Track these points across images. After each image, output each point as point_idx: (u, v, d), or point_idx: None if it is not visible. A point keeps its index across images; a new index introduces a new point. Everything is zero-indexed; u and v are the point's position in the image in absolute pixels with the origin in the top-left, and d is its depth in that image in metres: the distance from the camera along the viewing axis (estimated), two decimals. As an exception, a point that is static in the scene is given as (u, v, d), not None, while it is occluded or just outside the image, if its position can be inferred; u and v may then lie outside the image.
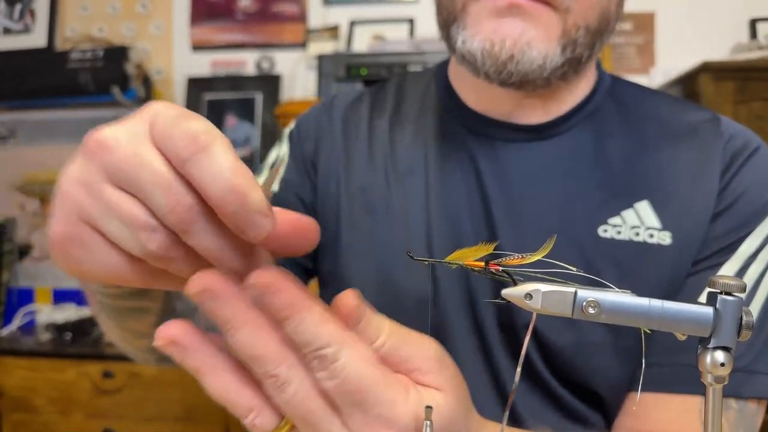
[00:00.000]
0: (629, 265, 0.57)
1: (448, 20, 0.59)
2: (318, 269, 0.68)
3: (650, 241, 0.57)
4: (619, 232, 0.57)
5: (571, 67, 0.57)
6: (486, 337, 0.59)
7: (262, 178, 0.71)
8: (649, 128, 0.62)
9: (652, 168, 0.60)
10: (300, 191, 0.68)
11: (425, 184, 0.63)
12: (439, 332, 0.59)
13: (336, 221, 0.65)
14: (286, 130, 0.74)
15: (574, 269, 0.37)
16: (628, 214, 0.58)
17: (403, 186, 0.64)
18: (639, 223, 0.58)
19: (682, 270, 0.57)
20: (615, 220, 0.58)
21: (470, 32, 0.56)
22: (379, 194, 0.65)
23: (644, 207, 0.58)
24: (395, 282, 0.61)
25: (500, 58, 0.54)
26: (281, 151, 0.73)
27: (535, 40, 0.54)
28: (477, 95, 0.65)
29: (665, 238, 0.57)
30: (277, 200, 0.69)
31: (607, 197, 0.59)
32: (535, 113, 0.63)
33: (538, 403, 0.59)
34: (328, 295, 0.65)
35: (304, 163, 0.69)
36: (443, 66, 0.71)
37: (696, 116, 0.63)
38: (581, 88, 0.65)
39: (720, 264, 0.57)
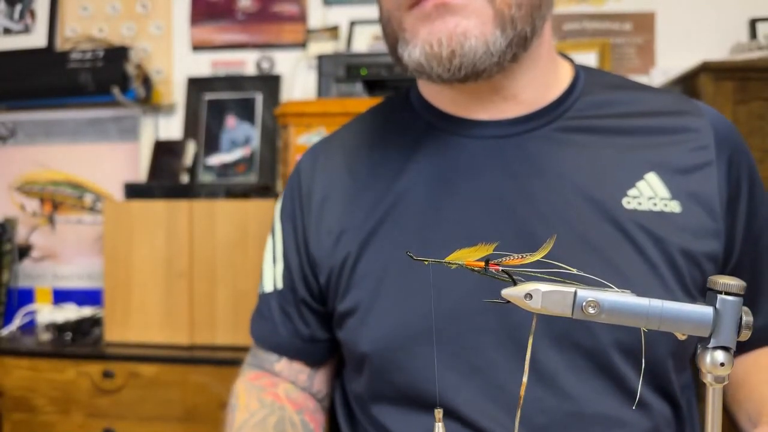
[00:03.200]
0: (655, 233, 0.59)
1: (393, 43, 0.63)
2: (334, 308, 0.69)
3: (666, 210, 0.60)
4: (639, 204, 0.60)
5: (519, 46, 0.60)
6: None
7: (278, 266, 0.74)
8: (634, 107, 0.65)
9: (648, 142, 0.63)
10: (302, 265, 0.71)
11: (437, 206, 0.64)
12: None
13: (347, 268, 0.66)
14: (276, 210, 0.76)
15: (574, 270, 0.37)
16: (642, 186, 0.61)
17: (414, 214, 0.64)
18: (653, 194, 0.61)
19: (691, 237, 0.60)
20: (633, 191, 0.61)
21: (411, 44, 0.59)
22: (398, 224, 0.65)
23: (653, 177, 0.61)
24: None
25: (443, 56, 0.57)
26: (276, 240, 0.75)
27: (470, 29, 0.56)
28: (454, 103, 0.67)
29: (676, 207, 0.60)
30: (286, 284, 0.72)
31: (620, 172, 0.61)
32: (520, 106, 0.65)
33: (600, 384, 0.58)
34: (353, 324, 0.66)
35: (296, 238, 0.72)
36: (411, 90, 0.73)
37: (670, 96, 0.67)
38: (560, 76, 0.67)
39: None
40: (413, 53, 0.59)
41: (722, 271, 0.62)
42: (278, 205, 0.76)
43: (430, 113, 0.68)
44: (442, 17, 0.56)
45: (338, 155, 0.72)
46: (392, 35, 0.62)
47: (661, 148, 0.62)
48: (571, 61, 0.70)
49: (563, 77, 0.67)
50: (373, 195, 0.66)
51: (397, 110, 0.72)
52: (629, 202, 0.60)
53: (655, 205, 0.60)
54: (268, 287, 0.75)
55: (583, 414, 0.57)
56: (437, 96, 0.68)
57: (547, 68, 0.66)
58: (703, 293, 0.60)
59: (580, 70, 0.68)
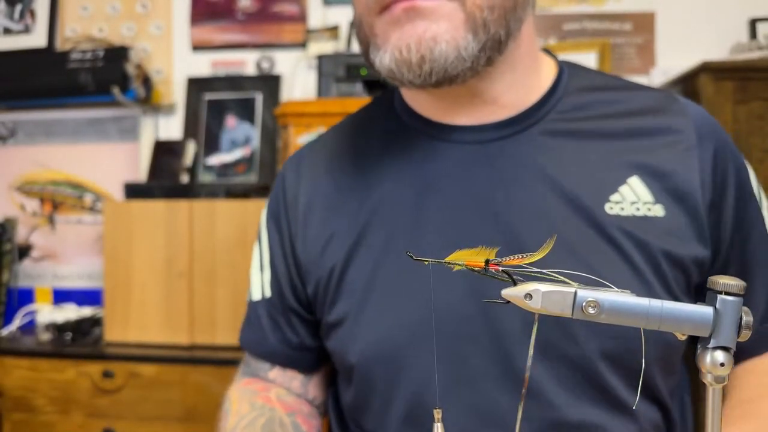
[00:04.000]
0: (639, 237, 0.59)
1: (366, 48, 0.61)
2: (322, 318, 0.68)
3: (649, 214, 0.59)
4: (622, 209, 0.59)
5: (494, 50, 0.58)
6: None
7: (266, 274, 0.73)
8: (616, 108, 0.64)
9: (630, 145, 0.62)
10: (290, 273, 0.70)
11: (424, 209, 0.63)
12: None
13: (336, 273, 0.65)
14: (262, 216, 0.75)
15: (573, 272, 0.37)
16: (625, 190, 0.60)
17: (402, 216, 0.63)
18: (636, 198, 0.60)
19: (675, 240, 0.59)
20: (615, 197, 0.60)
21: (382, 49, 0.58)
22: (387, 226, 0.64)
23: (636, 182, 0.60)
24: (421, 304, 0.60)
25: (412, 62, 0.56)
26: (263, 247, 0.74)
27: (441, 34, 0.55)
28: (435, 108, 0.66)
29: (659, 211, 0.59)
30: (274, 291, 0.72)
31: (602, 177, 0.61)
32: (502, 110, 0.63)
33: (585, 393, 0.58)
34: (342, 334, 0.65)
35: (282, 246, 0.71)
36: (395, 94, 0.72)
37: (653, 94, 0.65)
38: (542, 77, 0.66)
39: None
40: (384, 59, 0.57)
41: (709, 272, 0.61)
42: (264, 212, 0.75)
43: (412, 118, 0.67)
44: (412, 22, 0.55)
45: (322, 161, 0.71)
46: (365, 40, 0.61)
47: (643, 150, 0.61)
48: (555, 58, 0.69)
49: (546, 77, 0.66)
50: (355, 202, 0.65)
51: (380, 114, 0.71)
52: (612, 207, 0.59)
53: (638, 209, 0.59)
54: (256, 295, 0.74)
55: (568, 422, 0.57)
56: (418, 101, 0.67)
57: (528, 70, 0.64)
58: (688, 295, 0.60)
59: (563, 69, 0.67)
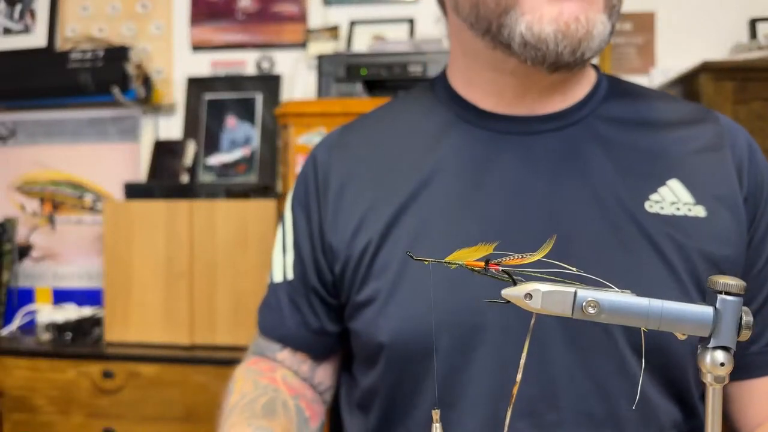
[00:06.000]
0: (677, 237, 0.60)
1: (497, 11, 0.59)
2: (348, 298, 0.68)
3: (690, 215, 0.61)
4: (662, 208, 0.61)
5: (611, 35, 0.61)
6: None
7: (289, 256, 0.73)
8: (654, 116, 0.66)
9: (669, 150, 0.64)
10: (315, 254, 0.70)
11: (459, 201, 0.64)
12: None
13: (365, 256, 0.65)
14: (287, 200, 0.75)
15: (574, 269, 0.37)
16: (665, 191, 0.61)
17: (438, 206, 0.64)
18: (676, 199, 0.61)
19: (715, 241, 0.60)
20: (655, 196, 0.61)
21: (534, 17, 0.57)
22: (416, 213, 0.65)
23: (675, 184, 0.62)
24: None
25: (576, 36, 0.57)
26: (286, 230, 0.74)
27: (597, 15, 0.57)
28: (497, 97, 0.66)
29: (701, 212, 0.61)
30: (297, 273, 0.72)
31: (642, 176, 0.62)
32: (554, 101, 0.65)
33: (612, 384, 0.58)
34: (365, 319, 0.65)
35: (309, 227, 0.71)
36: (436, 85, 0.72)
37: (689, 106, 0.69)
38: (588, 75, 0.68)
39: None
40: (540, 28, 0.56)
41: (743, 274, 0.62)
42: (290, 195, 0.75)
43: (459, 106, 0.68)
44: (570, 1, 0.56)
45: (356, 146, 0.71)
46: (499, 1, 0.59)
47: (682, 156, 0.63)
48: (594, 66, 0.71)
49: (588, 78, 0.68)
50: (394, 185, 0.66)
51: (420, 104, 0.72)
52: (651, 206, 0.60)
53: (678, 209, 0.60)
54: (278, 277, 0.74)
55: (594, 412, 0.58)
56: (474, 88, 0.67)
57: (590, 70, 0.68)
58: None
59: (601, 75, 0.70)
